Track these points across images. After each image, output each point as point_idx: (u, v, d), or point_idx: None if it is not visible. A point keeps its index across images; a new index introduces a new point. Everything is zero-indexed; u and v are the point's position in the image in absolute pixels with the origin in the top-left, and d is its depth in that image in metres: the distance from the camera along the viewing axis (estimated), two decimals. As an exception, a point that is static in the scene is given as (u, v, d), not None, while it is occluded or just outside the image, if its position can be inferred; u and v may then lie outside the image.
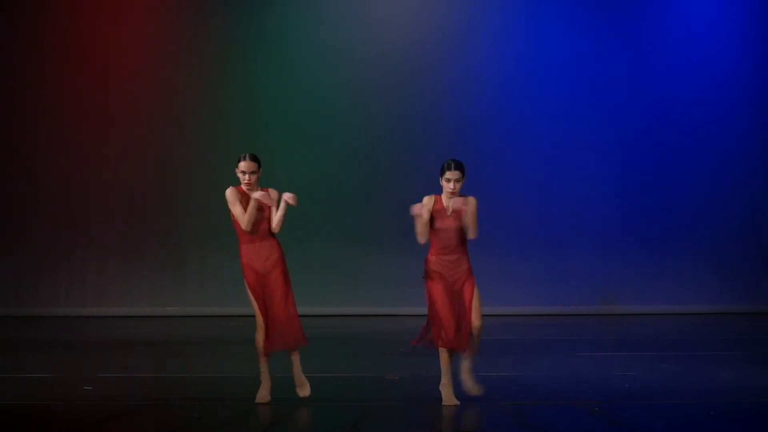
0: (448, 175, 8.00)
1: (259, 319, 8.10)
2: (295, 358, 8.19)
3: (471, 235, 8.04)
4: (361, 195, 17.26)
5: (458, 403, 7.98)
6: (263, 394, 8.13)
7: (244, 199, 8.16)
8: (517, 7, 17.48)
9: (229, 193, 8.15)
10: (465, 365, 8.12)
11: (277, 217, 8.20)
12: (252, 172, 8.14)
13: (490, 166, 17.20)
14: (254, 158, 8.19)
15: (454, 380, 8.11)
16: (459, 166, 8.03)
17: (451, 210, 8.00)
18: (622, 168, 17.37)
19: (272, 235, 8.25)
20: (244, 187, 8.17)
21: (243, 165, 8.14)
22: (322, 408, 7.98)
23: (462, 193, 8.10)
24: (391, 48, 17.39)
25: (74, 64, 17.20)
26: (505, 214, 16.93)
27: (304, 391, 8.19)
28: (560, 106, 17.36)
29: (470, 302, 7.98)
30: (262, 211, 8.18)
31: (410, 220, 18.47)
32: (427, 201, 8.09)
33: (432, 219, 8.08)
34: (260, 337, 8.11)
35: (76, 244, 17.18)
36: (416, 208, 8.03)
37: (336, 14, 17.45)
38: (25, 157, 17.18)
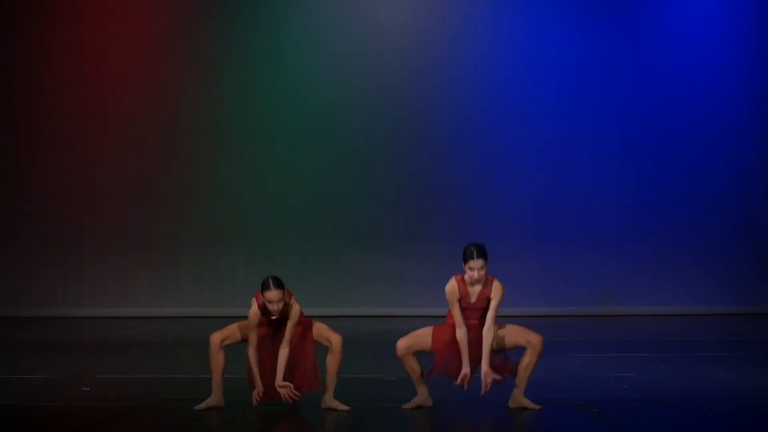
0: (471, 264, 7.74)
1: (223, 338, 7.97)
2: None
3: (486, 326, 7.78)
4: (360, 195, 17.23)
5: (431, 404, 7.99)
6: (217, 400, 8.01)
7: (263, 324, 7.89)
8: (516, 7, 17.46)
9: (251, 316, 7.83)
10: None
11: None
12: (279, 301, 7.76)
13: (489, 166, 17.19)
14: (278, 285, 7.77)
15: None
16: (482, 254, 7.76)
17: (484, 382, 7.68)
18: (621, 168, 17.35)
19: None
20: (271, 312, 7.82)
21: (269, 295, 7.73)
22: (321, 408, 7.98)
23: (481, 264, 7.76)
24: (390, 48, 17.37)
25: (72, 64, 17.16)
26: (504, 215, 16.92)
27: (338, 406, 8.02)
28: (559, 106, 17.34)
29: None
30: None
31: (409, 221, 18.31)
32: (451, 295, 7.79)
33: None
34: (216, 353, 7.96)
35: (73, 244, 17.14)
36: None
37: (335, 14, 17.42)
38: (22, 157, 17.14)
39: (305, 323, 8.05)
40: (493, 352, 7.84)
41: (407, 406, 7.95)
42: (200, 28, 17.29)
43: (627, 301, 17.18)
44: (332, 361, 7.98)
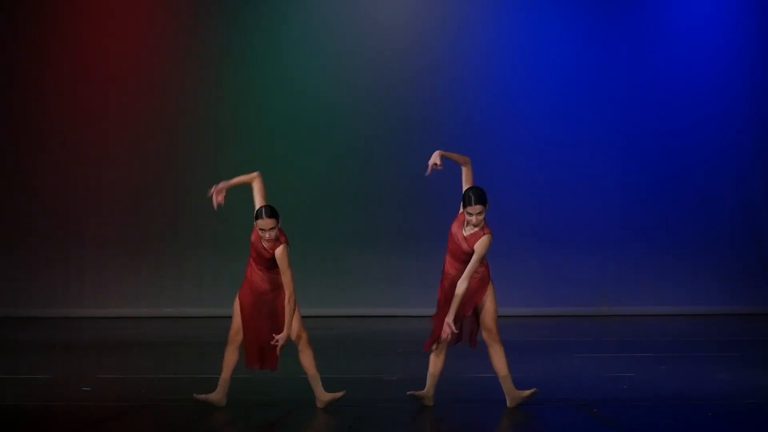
0: (469, 209, 7.80)
1: (233, 335, 7.98)
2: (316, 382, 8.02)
3: (463, 276, 7.79)
4: (360, 195, 17.24)
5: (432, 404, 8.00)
6: (219, 398, 8.03)
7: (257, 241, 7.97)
8: (516, 7, 17.46)
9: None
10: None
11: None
12: (271, 229, 7.87)
13: (489, 166, 17.11)
14: (271, 214, 7.92)
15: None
16: (480, 200, 7.82)
17: (444, 332, 7.69)
18: (621, 168, 17.35)
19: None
20: (264, 244, 7.91)
21: (261, 223, 7.88)
22: (319, 409, 7.98)
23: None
24: (390, 48, 17.37)
25: (72, 64, 17.16)
26: (504, 215, 16.85)
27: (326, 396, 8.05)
28: (559, 106, 17.34)
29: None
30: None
31: (409, 221, 18.23)
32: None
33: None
34: (229, 353, 7.99)
35: (74, 244, 17.13)
36: None
37: (335, 14, 17.41)
38: (22, 157, 17.13)
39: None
40: (466, 314, 7.81)
41: (412, 392, 7.94)
42: (200, 28, 17.29)
43: (627, 301, 17.18)
44: (307, 359, 7.99)
